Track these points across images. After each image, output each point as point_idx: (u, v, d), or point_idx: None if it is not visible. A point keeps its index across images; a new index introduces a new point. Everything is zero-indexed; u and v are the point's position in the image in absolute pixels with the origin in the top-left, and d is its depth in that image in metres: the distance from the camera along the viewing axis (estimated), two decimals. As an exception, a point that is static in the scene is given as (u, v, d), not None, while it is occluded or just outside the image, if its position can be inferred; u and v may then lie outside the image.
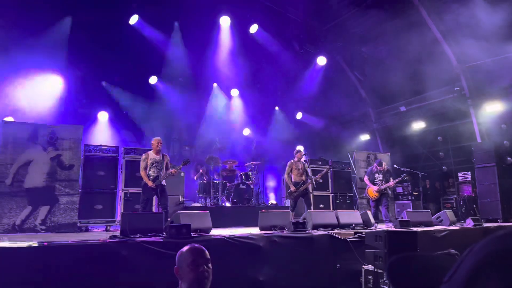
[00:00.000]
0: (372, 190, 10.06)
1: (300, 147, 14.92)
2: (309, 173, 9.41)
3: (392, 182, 9.96)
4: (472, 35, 11.51)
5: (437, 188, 13.68)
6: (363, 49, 13.98)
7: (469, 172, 12.39)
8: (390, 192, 10.40)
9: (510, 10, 9.87)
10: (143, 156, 7.76)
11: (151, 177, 7.57)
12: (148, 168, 7.63)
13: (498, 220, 10.51)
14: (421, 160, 13.78)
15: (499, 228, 8.33)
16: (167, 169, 7.76)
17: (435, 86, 13.14)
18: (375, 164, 10.31)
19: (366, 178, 10.30)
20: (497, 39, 10.78)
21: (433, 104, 13.78)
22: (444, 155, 13.66)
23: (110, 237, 5.38)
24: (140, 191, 8.76)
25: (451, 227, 8.22)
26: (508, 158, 11.19)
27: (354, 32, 13.46)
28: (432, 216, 9.40)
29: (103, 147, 8.93)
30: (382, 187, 9.87)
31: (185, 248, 2.37)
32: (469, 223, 8.46)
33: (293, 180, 9.08)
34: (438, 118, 13.66)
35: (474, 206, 11.81)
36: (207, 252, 2.39)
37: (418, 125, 14.27)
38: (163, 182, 7.72)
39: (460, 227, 8.33)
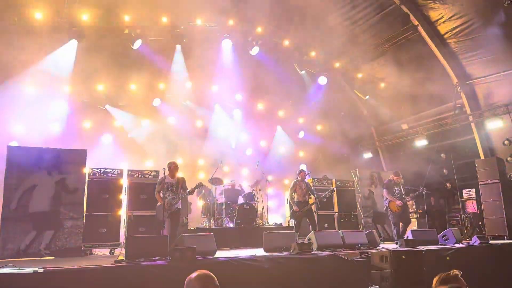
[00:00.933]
0: (394, 204, 9.59)
1: (303, 166, 14.95)
2: (314, 192, 9.38)
3: (410, 197, 9.72)
4: (472, 52, 11.66)
5: (442, 205, 13.61)
6: (364, 67, 14.12)
7: (473, 189, 12.36)
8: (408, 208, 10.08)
9: (506, 28, 10.00)
10: (160, 180, 7.87)
11: (167, 200, 7.61)
12: (164, 191, 7.70)
13: (505, 237, 10.42)
14: (425, 177, 13.73)
15: (506, 245, 8.27)
16: (184, 190, 7.83)
17: (436, 103, 13.23)
18: (392, 176, 9.94)
19: (386, 192, 9.82)
20: (496, 56, 10.90)
21: (435, 121, 13.83)
22: (447, 172, 13.63)
23: (115, 261, 5.38)
24: (145, 213, 8.81)
25: (457, 246, 8.15)
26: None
27: (354, 52, 13.63)
28: (438, 234, 9.33)
29: (107, 170, 8.98)
30: (406, 198, 9.54)
31: (194, 275, 2.37)
32: (475, 241, 8.38)
33: (296, 200, 9.11)
34: (441, 135, 13.68)
35: (480, 223, 11.74)
36: (215, 278, 2.39)
37: (420, 142, 14.28)
38: (179, 205, 7.79)
39: (466, 245, 8.26)
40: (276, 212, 14.16)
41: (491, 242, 8.72)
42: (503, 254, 7.96)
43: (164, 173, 7.73)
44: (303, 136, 16.05)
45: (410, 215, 12.81)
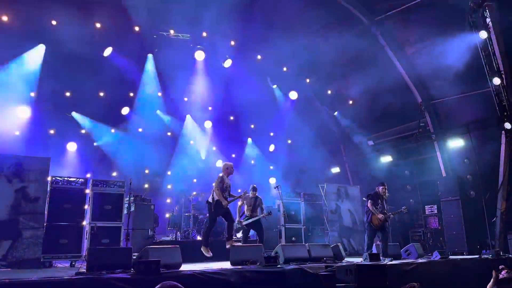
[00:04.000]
0: (377, 218, 8.98)
1: (272, 180, 15.04)
2: (261, 210, 9.36)
3: (392, 213, 9.30)
4: (435, 74, 12.19)
5: (405, 220, 13.96)
6: (333, 85, 14.47)
7: (436, 205, 12.77)
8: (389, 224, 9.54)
9: (472, 52, 10.52)
10: (220, 179, 8.25)
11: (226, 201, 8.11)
12: (225, 191, 8.18)
13: (464, 253, 10.79)
14: (389, 193, 14.09)
15: (465, 261, 8.57)
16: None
17: (401, 122, 13.67)
18: (380, 188, 9.32)
19: (370, 204, 9.14)
20: (459, 78, 11.43)
21: (399, 139, 14.28)
22: (411, 189, 14.04)
23: (76, 274, 5.20)
24: (108, 225, 8.60)
25: (419, 260, 8.39)
26: (472, 192, 11.65)
27: (324, 69, 13.96)
28: (401, 249, 9.57)
29: (70, 179, 8.70)
30: (387, 216, 8.99)
31: (162, 287, 2.32)
32: (436, 256, 8.65)
33: (245, 212, 9.27)
34: (405, 152, 14.14)
35: (441, 238, 12.12)
36: None
37: (385, 159, 14.69)
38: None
39: (428, 260, 8.51)
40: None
41: (451, 257, 9.02)
42: (462, 269, 8.25)
43: (222, 174, 8.27)
44: (274, 150, 16.17)
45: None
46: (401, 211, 9.49)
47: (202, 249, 8.15)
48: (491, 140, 11.04)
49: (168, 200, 12.91)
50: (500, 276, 6.11)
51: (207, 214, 11.39)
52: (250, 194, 9.32)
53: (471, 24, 9.93)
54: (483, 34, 9.95)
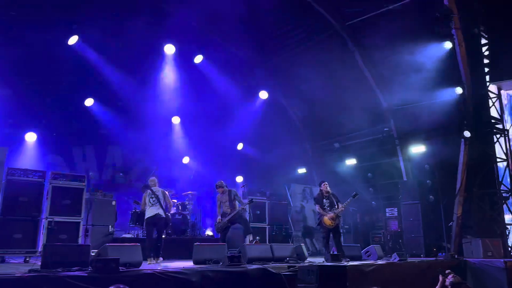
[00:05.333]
0: (327, 218, 9.07)
1: (239, 178, 14.99)
2: (239, 199, 9.39)
3: (342, 206, 9.15)
4: (401, 81, 12.50)
5: (367, 222, 14.29)
6: (302, 87, 14.59)
7: (396, 208, 13.13)
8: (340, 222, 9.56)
9: (437, 61, 10.85)
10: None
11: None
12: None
13: (421, 255, 11.15)
14: (334, 190, 14.41)
15: (423, 263, 8.85)
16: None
17: (366, 126, 13.97)
18: (322, 185, 9.42)
19: (318, 207, 9.30)
20: (423, 86, 11.78)
21: (364, 142, 14.59)
22: (373, 191, 14.38)
23: (29, 271, 4.96)
24: (67, 220, 8.34)
25: (379, 262, 8.59)
26: (431, 197, 12.04)
27: (294, 71, 14.04)
28: (362, 250, 9.77)
29: (28, 171, 8.32)
30: (337, 211, 9.01)
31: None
32: (395, 258, 8.88)
33: (223, 211, 9.19)
34: (369, 155, 14.47)
35: (400, 241, 12.48)
36: None
37: (350, 161, 14.98)
38: None
39: (387, 261, 8.72)
40: (210, 223, 14.00)
41: (409, 259, 9.29)
42: (420, 271, 8.52)
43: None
44: (242, 148, 16.12)
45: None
46: (351, 198, 9.36)
47: None
48: (451, 147, 11.42)
49: (132, 197, 12.58)
50: (447, 280, 6.35)
51: (170, 212, 11.23)
52: (219, 191, 9.26)
53: (438, 34, 10.25)
54: (448, 44, 10.30)
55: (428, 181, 12.25)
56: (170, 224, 9.25)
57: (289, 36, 13.44)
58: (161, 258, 8.01)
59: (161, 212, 8.10)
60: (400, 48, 12.11)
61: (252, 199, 9.25)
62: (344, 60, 13.21)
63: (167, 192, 8.53)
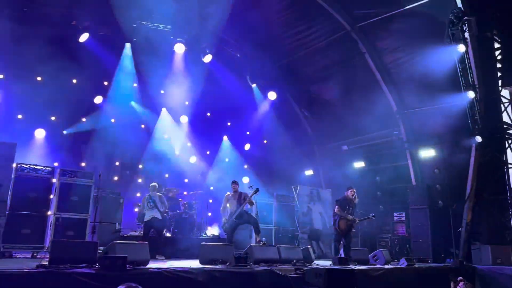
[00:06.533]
0: (343, 221, 9.10)
1: (246, 179, 14.95)
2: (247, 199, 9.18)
3: (358, 220, 9.30)
4: (412, 84, 12.40)
5: (374, 226, 14.15)
6: (311, 88, 14.51)
7: (404, 213, 13.00)
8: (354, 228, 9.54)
9: (449, 64, 10.72)
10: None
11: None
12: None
13: (429, 261, 11.03)
14: (360, 198, 14.29)
15: (431, 269, 8.75)
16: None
17: (376, 129, 13.85)
18: (348, 191, 9.36)
19: (337, 209, 9.26)
20: (434, 89, 11.67)
21: (373, 145, 14.48)
22: (381, 195, 14.25)
23: (37, 266, 4.96)
24: (74, 216, 8.35)
25: (386, 266, 8.50)
26: (440, 202, 11.91)
27: (303, 72, 13.99)
28: (369, 254, 9.67)
29: (37, 167, 8.35)
30: (356, 220, 9.13)
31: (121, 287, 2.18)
32: (402, 262, 8.78)
33: (230, 211, 9.06)
34: (377, 159, 14.35)
35: (407, 245, 12.35)
36: None
37: (358, 164, 14.88)
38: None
39: (394, 266, 8.63)
40: (216, 223, 13.98)
41: (417, 264, 9.18)
42: (427, 277, 8.42)
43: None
44: (249, 149, 16.09)
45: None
46: (368, 218, 9.68)
47: None
48: (461, 152, 11.30)
49: (138, 194, 12.60)
50: (458, 287, 6.25)
51: (177, 211, 11.22)
52: (233, 188, 9.22)
53: (450, 37, 10.12)
54: (461, 48, 10.17)
55: (437, 185, 12.12)
56: (170, 224, 10.03)
57: (299, 37, 13.38)
58: (162, 256, 8.56)
59: (157, 215, 8.95)
60: (412, 51, 12.03)
61: (257, 188, 9.13)
62: (355, 62, 13.13)
63: (164, 196, 9.41)
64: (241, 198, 9.05)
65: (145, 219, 9.01)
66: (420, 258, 11.09)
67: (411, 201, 12.33)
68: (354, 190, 9.42)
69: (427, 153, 12.90)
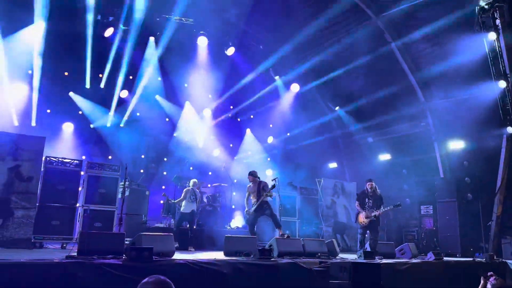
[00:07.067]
0: (362, 216, 9.20)
1: (269, 172, 14.93)
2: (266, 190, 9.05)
3: (381, 210, 9.10)
4: (440, 74, 12.03)
5: (400, 220, 13.92)
6: (335, 79, 14.29)
7: (431, 206, 12.72)
8: (379, 222, 9.43)
9: (478, 53, 10.35)
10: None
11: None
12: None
13: (457, 255, 10.77)
14: (386, 191, 14.04)
15: (458, 263, 8.53)
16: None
17: (402, 120, 13.56)
18: (367, 184, 9.37)
19: (357, 204, 9.43)
20: (464, 79, 11.31)
21: (399, 137, 14.19)
22: (408, 188, 13.98)
23: (66, 257, 5.08)
24: (102, 208, 8.50)
25: (413, 260, 8.32)
26: (469, 195, 11.58)
27: (327, 63, 13.77)
28: (395, 248, 9.51)
29: (65, 160, 8.56)
30: (374, 213, 9.01)
31: (149, 281, 2.18)
32: (430, 256, 8.58)
33: (253, 202, 9.05)
34: (404, 151, 14.06)
35: (435, 239, 12.09)
36: (173, 286, 2.21)
37: (384, 157, 14.62)
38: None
39: (422, 260, 8.44)
40: (240, 216, 14.04)
41: (445, 259, 8.96)
42: (455, 271, 8.21)
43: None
44: (272, 142, 16.04)
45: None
46: (389, 209, 9.34)
47: None
48: (491, 143, 10.94)
49: (163, 187, 12.78)
50: (489, 283, 6.04)
51: (201, 203, 11.31)
52: (249, 179, 9.21)
53: (480, 25, 9.75)
54: (492, 36, 9.78)
55: (466, 178, 11.79)
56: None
57: (323, 28, 13.15)
58: (193, 248, 8.88)
59: (195, 209, 9.48)
60: (440, 40, 11.66)
61: (274, 184, 9.02)
62: (381, 52, 12.82)
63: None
64: (260, 188, 9.01)
65: (184, 211, 9.36)
66: (448, 252, 10.86)
67: (439, 194, 12.04)
68: (372, 183, 9.29)
69: (456, 144, 12.55)
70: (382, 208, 9.14)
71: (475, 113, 11.44)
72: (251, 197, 9.11)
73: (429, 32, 11.80)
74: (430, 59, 12.30)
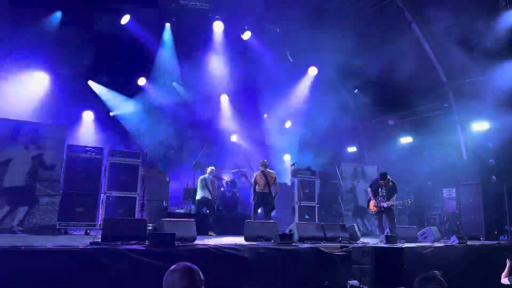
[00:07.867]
0: (372, 204, 9.35)
1: (287, 157, 14.88)
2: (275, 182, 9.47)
3: (390, 203, 9.04)
4: (463, 53, 11.63)
5: (422, 203, 13.70)
6: (354, 61, 13.98)
7: (454, 189, 12.47)
8: (393, 209, 9.36)
9: (503, 31, 9.95)
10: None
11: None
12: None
13: (481, 238, 10.57)
14: (407, 174, 13.84)
15: (483, 246, 8.37)
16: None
17: (424, 102, 13.23)
18: (379, 182, 9.24)
19: (369, 190, 9.55)
20: (487, 59, 10.91)
21: (421, 119, 13.86)
22: (430, 170, 13.71)
23: (91, 243, 5.18)
24: (124, 195, 8.63)
25: (436, 244, 8.21)
26: (493, 177, 11.29)
27: (346, 44, 13.46)
28: (417, 232, 9.39)
29: (87, 148, 8.68)
30: (383, 204, 9.04)
31: (177, 269, 2.18)
32: (453, 240, 8.45)
33: (257, 190, 9.26)
34: (426, 133, 13.74)
35: (458, 223, 11.88)
36: (199, 272, 2.21)
37: (405, 140, 14.35)
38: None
39: (445, 244, 8.32)
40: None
41: (469, 242, 8.81)
42: (479, 255, 8.07)
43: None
44: (290, 126, 15.92)
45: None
46: (394, 205, 9.23)
47: None
48: (517, 124, 10.59)
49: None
50: None
51: (221, 189, 11.38)
52: (261, 168, 9.26)
53: (506, 1, 9.34)
54: (518, 13, 9.38)
55: (491, 160, 11.46)
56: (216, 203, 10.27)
57: (342, 8, 12.82)
58: (213, 233, 9.12)
59: (208, 195, 9.56)
60: (462, 18, 11.22)
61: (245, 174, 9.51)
62: (401, 31, 12.43)
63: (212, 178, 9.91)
64: (267, 178, 9.22)
65: (197, 198, 9.62)
66: (472, 235, 10.65)
67: (462, 177, 11.77)
68: (386, 180, 9.05)
69: (480, 126, 12.18)
70: (391, 200, 9.11)
71: (500, 93, 11.05)
72: (258, 183, 9.32)
73: (451, 9, 11.37)
74: (452, 38, 11.86)
